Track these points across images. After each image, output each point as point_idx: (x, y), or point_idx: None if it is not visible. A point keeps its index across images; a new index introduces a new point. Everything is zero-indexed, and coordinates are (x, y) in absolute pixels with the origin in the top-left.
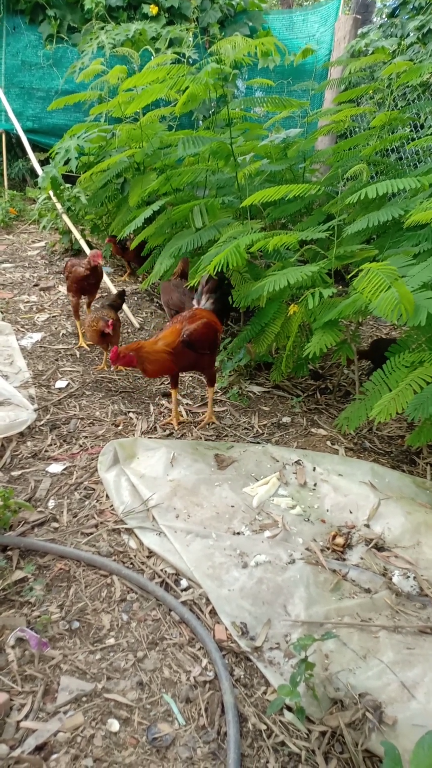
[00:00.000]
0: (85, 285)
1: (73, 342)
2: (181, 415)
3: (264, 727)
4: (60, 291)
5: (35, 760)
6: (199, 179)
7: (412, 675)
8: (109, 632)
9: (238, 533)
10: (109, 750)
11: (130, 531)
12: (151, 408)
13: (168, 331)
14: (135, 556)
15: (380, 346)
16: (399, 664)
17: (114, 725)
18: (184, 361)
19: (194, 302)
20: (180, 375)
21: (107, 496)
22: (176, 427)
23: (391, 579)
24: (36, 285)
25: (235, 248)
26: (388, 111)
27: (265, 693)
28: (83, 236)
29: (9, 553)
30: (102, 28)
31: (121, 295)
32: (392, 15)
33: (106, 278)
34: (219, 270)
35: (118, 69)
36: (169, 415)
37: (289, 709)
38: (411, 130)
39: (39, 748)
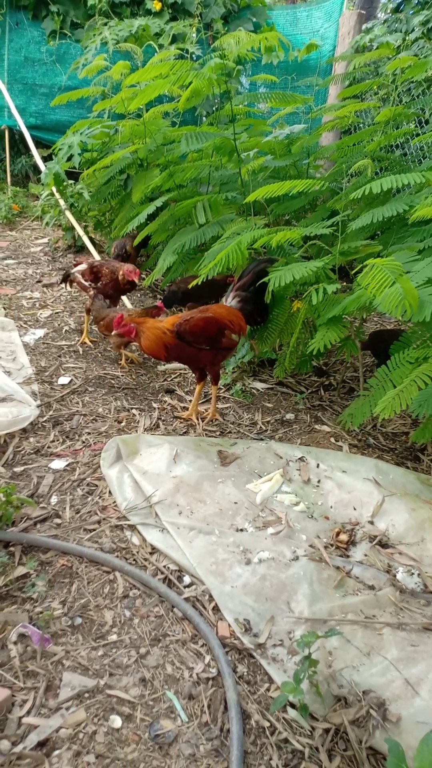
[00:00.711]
0: (112, 293)
1: (76, 338)
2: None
3: (267, 724)
4: (62, 287)
5: (37, 756)
6: (203, 175)
7: (416, 672)
8: (111, 628)
9: (242, 530)
10: (112, 746)
11: (132, 527)
12: (154, 405)
13: (177, 317)
14: (138, 552)
15: (381, 338)
16: (403, 661)
17: (116, 722)
18: (178, 351)
19: (223, 299)
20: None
21: (110, 492)
22: (195, 422)
23: (395, 576)
24: (39, 281)
25: (236, 245)
26: (392, 106)
27: (268, 690)
28: (86, 233)
29: (11, 549)
30: (105, 24)
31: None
32: (397, 10)
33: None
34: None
35: (121, 65)
36: (183, 410)
37: (293, 706)
38: (416, 126)
39: (41, 744)
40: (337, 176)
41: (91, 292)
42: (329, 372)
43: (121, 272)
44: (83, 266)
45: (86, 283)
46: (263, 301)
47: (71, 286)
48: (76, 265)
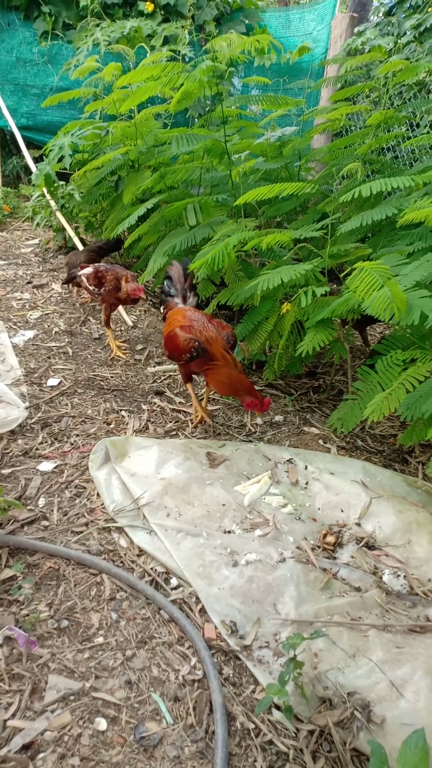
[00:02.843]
0: (114, 301)
1: (67, 340)
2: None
3: (252, 725)
4: (53, 288)
5: (21, 759)
6: (194, 177)
7: (401, 674)
8: (98, 631)
9: (229, 532)
10: (97, 749)
11: (120, 529)
12: (144, 406)
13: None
14: (125, 554)
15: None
16: (388, 663)
17: (101, 724)
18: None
19: (176, 300)
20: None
21: (98, 494)
22: (209, 421)
23: (381, 578)
24: (29, 282)
25: (223, 247)
26: (383, 109)
27: (253, 692)
28: (77, 234)
29: None
30: (97, 25)
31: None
32: (389, 13)
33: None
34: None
35: (113, 66)
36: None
37: (278, 707)
38: (407, 129)
39: (26, 747)
40: (328, 179)
41: (99, 300)
42: (318, 374)
43: (125, 288)
44: (89, 270)
45: (91, 288)
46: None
47: (76, 288)
48: (82, 268)
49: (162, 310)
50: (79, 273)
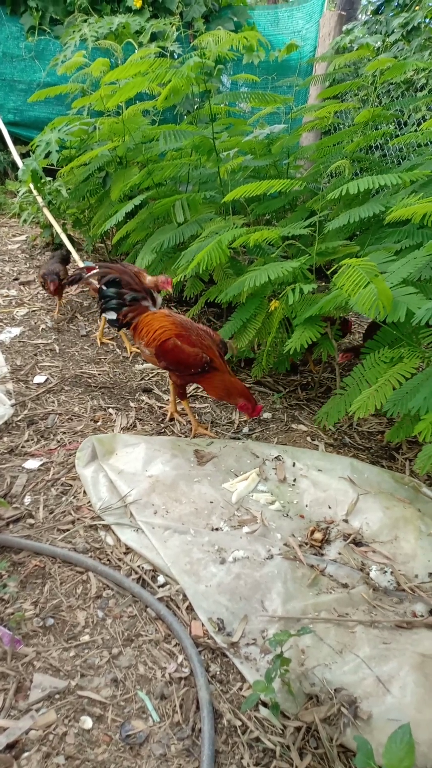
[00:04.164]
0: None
1: (54, 337)
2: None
3: (239, 723)
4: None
5: (5, 758)
6: (182, 174)
7: (387, 669)
8: (84, 629)
9: (217, 529)
10: (82, 747)
11: (107, 527)
12: (131, 404)
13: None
14: (112, 552)
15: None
16: (375, 659)
17: (87, 722)
18: None
19: (145, 303)
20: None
21: (84, 492)
22: (209, 434)
23: (368, 574)
24: (16, 279)
25: (217, 244)
26: (372, 108)
27: (240, 689)
28: (64, 230)
29: None
30: (85, 21)
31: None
32: (377, 12)
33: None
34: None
35: (100, 62)
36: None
37: (265, 704)
38: (395, 127)
39: (10, 747)
40: (317, 176)
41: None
42: (307, 371)
43: (151, 281)
44: (98, 271)
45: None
46: None
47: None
48: (89, 270)
49: (119, 318)
50: (87, 275)
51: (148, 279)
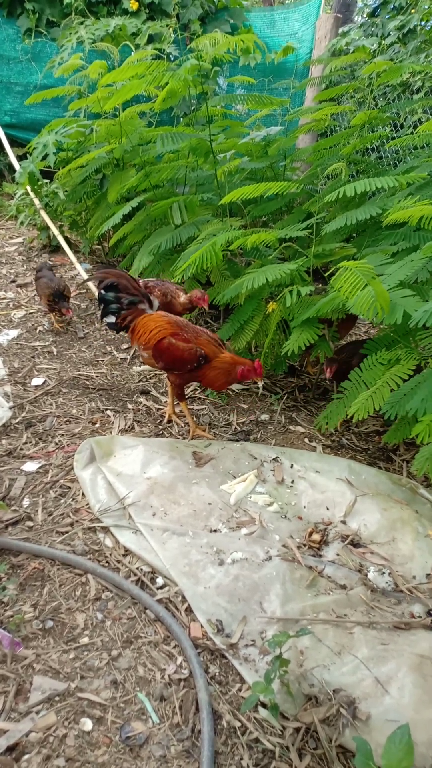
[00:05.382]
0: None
1: (51, 339)
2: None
3: (238, 724)
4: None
5: (6, 760)
6: (179, 176)
7: (386, 670)
8: (83, 631)
9: (215, 531)
10: (82, 749)
11: (106, 529)
12: (129, 406)
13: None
14: (111, 554)
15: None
16: (373, 660)
17: (87, 724)
18: None
19: (141, 306)
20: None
21: (83, 494)
22: (207, 436)
23: (366, 575)
24: (13, 281)
25: (211, 246)
26: (368, 110)
27: (240, 690)
28: (62, 232)
29: None
30: (82, 23)
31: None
32: (373, 15)
33: (82, 271)
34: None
35: (97, 64)
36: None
37: (264, 705)
38: (391, 130)
39: (10, 749)
40: (313, 179)
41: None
42: (304, 372)
43: (186, 297)
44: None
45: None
46: None
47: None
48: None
49: (118, 322)
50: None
51: (183, 298)
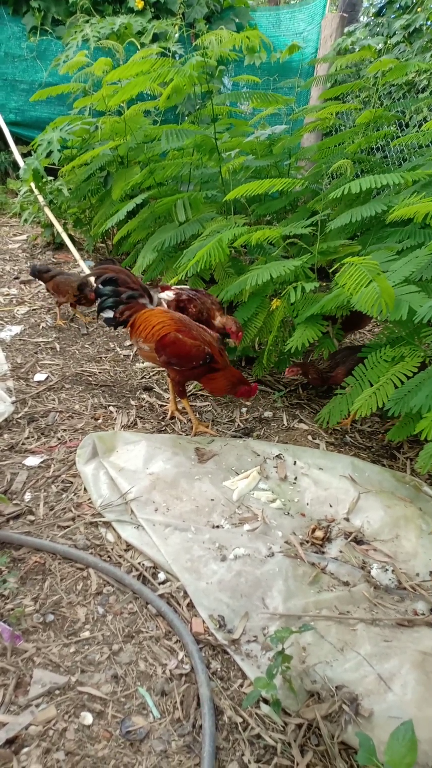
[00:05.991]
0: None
1: (54, 335)
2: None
3: (240, 719)
4: (41, 284)
5: (5, 753)
6: (183, 173)
7: (388, 667)
8: (84, 625)
9: (218, 526)
10: (82, 743)
11: (107, 524)
12: (132, 402)
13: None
14: (112, 549)
15: None
16: (376, 657)
17: (87, 718)
18: None
19: (142, 300)
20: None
21: (85, 489)
22: (210, 433)
23: (369, 572)
24: (16, 278)
25: (217, 243)
26: (373, 109)
27: (241, 686)
28: (65, 230)
29: None
30: (87, 21)
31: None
32: (378, 14)
33: (86, 268)
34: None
35: (103, 61)
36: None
37: (266, 701)
38: (396, 128)
39: (9, 742)
40: (318, 177)
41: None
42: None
43: (219, 322)
44: (170, 294)
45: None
46: None
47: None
48: (162, 290)
49: (115, 316)
50: (160, 294)
51: (217, 320)
